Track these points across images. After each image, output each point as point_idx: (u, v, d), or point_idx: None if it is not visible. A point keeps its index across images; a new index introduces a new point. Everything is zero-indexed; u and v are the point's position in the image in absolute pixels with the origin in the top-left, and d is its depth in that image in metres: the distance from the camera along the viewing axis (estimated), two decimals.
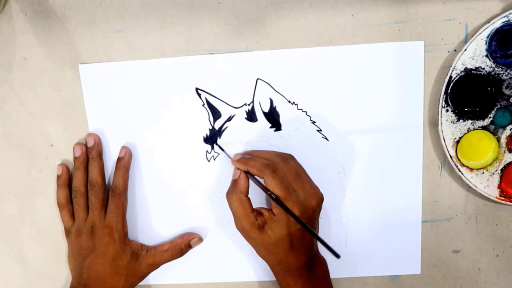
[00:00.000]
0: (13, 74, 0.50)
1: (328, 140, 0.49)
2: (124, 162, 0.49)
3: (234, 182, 0.46)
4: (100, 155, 0.50)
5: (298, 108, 0.49)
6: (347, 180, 0.50)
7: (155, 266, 0.51)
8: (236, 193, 0.45)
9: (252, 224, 0.44)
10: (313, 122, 0.49)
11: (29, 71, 0.49)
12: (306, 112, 0.49)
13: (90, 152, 0.49)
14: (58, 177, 0.51)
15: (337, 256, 0.39)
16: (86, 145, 0.50)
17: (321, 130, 0.49)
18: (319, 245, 0.47)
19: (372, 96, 0.48)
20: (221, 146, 0.49)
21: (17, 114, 0.51)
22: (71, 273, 0.51)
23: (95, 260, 0.48)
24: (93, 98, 0.49)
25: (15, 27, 0.49)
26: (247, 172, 0.46)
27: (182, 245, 0.51)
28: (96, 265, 0.48)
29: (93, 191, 0.49)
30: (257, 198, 0.50)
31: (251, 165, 0.45)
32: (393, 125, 0.49)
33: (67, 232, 0.51)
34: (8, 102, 0.50)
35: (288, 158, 0.46)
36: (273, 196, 0.43)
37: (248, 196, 0.46)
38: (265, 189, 0.43)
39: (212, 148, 0.50)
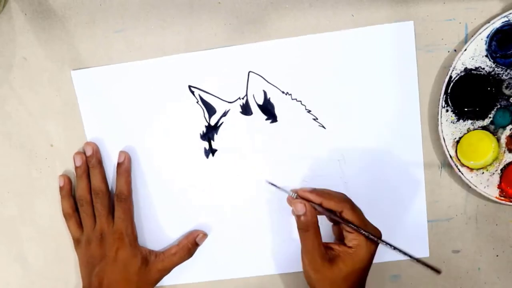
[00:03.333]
0: (13, 74, 0.50)
1: (325, 128, 0.49)
2: (125, 166, 0.49)
3: (305, 217, 0.45)
4: (100, 162, 0.50)
5: (292, 98, 0.49)
6: (347, 167, 0.50)
7: (165, 271, 0.50)
8: (310, 225, 0.45)
9: (323, 257, 0.44)
10: (309, 111, 0.49)
11: (29, 71, 0.49)
12: (300, 101, 0.49)
13: (90, 161, 0.49)
14: (61, 188, 0.51)
15: (438, 272, 0.42)
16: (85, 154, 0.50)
17: (317, 119, 0.49)
18: None
19: (366, 81, 0.48)
20: (273, 183, 0.49)
21: (17, 114, 0.51)
22: (82, 281, 0.51)
23: (106, 267, 0.48)
24: (87, 102, 0.49)
25: (15, 27, 0.49)
26: (317, 205, 0.46)
27: (189, 245, 0.51)
28: (107, 272, 0.48)
29: (98, 199, 0.49)
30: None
31: (328, 198, 0.45)
32: (389, 110, 0.48)
33: (77, 242, 0.51)
34: (8, 102, 0.50)
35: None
36: (357, 227, 0.44)
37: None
38: (344, 220, 0.44)
39: (210, 144, 0.50)
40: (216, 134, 0.50)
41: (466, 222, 0.51)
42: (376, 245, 0.45)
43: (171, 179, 0.51)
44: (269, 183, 0.49)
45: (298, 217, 0.45)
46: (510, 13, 0.45)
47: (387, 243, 0.44)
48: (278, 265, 0.52)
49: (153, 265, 0.50)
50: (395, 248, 0.44)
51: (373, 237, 0.44)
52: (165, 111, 0.49)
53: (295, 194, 0.47)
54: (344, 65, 0.48)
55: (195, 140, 0.50)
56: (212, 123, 0.50)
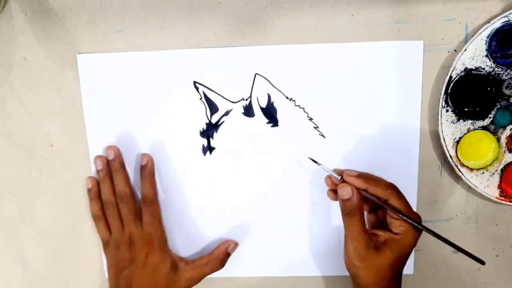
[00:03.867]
0: (13, 74, 0.50)
1: (324, 137, 0.49)
2: (148, 169, 0.49)
3: (348, 201, 0.44)
4: (123, 166, 0.50)
5: (296, 104, 0.49)
6: None
7: (194, 280, 0.50)
8: (353, 211, 0.43)
9: (367, 244, 0.43)
10: (310, 119, 0.49)
11: (29, 71, 0.49)
12: (303, 108, 0.49)
13: (112, 165, 0.49)
14: (89, 190, 0.50)
15: (482, 262, 0.42)
16: (106, 158, 0.50)
17: (318, 127, 0.49)
18: None
19: (370, 95, 0.48)
20: (315, 160, 0.48)
21: (17, 114, 0.51)
22: (109, 284, 0.50)
23: (135, 271, 0.48)
24: (90, 89, 0.49)
25: (15, 27, 0.49)
26: (363, 190, 0.44)
27: (221, 255, 0.50)
28: (136, 276, 0.48)
29: (124, 203, 0.49)
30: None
31: (374, 184, 0.44)
32: (390, 124, 0.49)
33: (105, 244, 0.50)
34: (8, 102, 0.50)
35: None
36: (403, 214, 0.43)
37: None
38: (390, 207, 0.43)
39: (208, 142, 0.50)
40: (216, 132, 0.50)
41: (466, 222, 0.51)
42: (420, 231, 0.43)
43: (169, 174, 0.51)
44: (311, 159, 0.48)
45: (343, 201, 0.44)
46: (510, 13, 0.45)
47: (431, 231, 0.43)
48: (278, 267, 0.52)
49: (182, 273, 0.49)
50: (438, 236, 0.43)
51: (418, 224, 0.43)
52: (167, 105, 0.49)
53: (340, 177, 0.46)
54: (349, 77, 0.48)
55: (194, 136, 0.50)
56: (213, 121, 0.50)
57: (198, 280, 0.50)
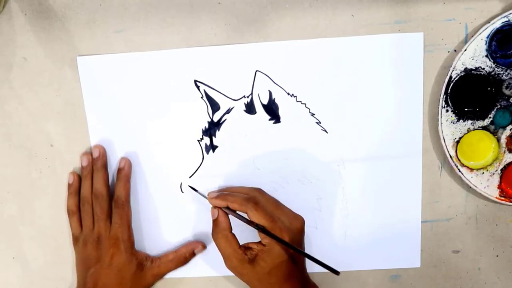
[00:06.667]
0: (13, 74, 0.50)
1: (327, 132, 0.49)
2: (125, 172, 0.50)
3: (215, 222, 0.47)
4: (105, 166, 0.50)
5: (297, 100, 0.49)
6: (346, 173, 0.50)
7: (160, 276, 0.51)
8: (220, 232, 0.46)
9: (242, 260, 0.45)
10: (312, 115, 0.49)
11: (29, 71, 0.49)
12: (305, 104, 0.49)
13: (95, 163, 0.50)
14: (69, 185, 0.51)
15: (337, 273, 0.42)
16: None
17: (320, 123, 0.49)
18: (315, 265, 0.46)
19: (371, 89, 0.48)
20: (193, 186, 0.50)
21: (17, 114, 0.51)
22: (77, 279, 0.51)
23: (101, 270, 0.49)
24: (91, 90, 0.49)
25: (15, 27, 0.49)
26: (226, 208, 0.46)
27: (187, 254, 0.51)
28: (101, 275, 0.48)
29: (98, 202, 0.49)
30: (242, 233, 0.48)
31: (232, 200, 0.46)
32: (392, 118, 0.49)
33: (75, 240, 0.51)
34: (8, 102, 0.50)
35: (262, 191, 0.47)
36: (260, 227, 0.44)
37: (233, 232, 0.46)
38: (249, 222, 0.45)
39: (211, 140, 0.50)
40: (218, 130, 0.50)
41: (466, 222, 0.51)
42: (290, 235, 0.44)
43: (170, 173, 0.51)
44: (190, 187, 0.50)
45: (212, 222, 0.47)
46: (510, 13, 0.45)
47: (290, 245, 0.43)
48: None
49: (148, 270, 0.50)
50: (302, 252, 0.44)
51: (267, 233, 0.44)
52: (169, 104, 0.49)
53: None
54: (351, 71, 0.48)
55: (197, 134, 0.50)
56: (215, 119, 0.50)
57: (163, 275, 0.51)
